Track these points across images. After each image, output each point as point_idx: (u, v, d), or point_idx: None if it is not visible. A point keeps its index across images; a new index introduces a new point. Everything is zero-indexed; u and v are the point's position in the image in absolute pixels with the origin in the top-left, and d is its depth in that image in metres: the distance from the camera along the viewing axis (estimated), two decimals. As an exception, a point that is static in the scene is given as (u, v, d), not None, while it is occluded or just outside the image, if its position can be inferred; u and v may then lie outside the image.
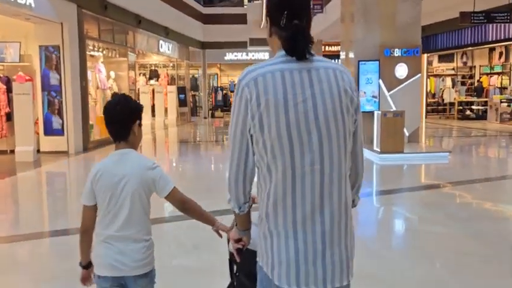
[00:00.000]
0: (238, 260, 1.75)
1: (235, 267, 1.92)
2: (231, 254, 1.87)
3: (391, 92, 10.86)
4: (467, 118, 18.50)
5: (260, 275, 1.57)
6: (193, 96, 22.87)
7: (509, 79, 18.62)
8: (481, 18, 11.34)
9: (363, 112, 11.13)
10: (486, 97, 18.63)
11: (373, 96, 10.95)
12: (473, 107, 19.11)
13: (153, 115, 19.00)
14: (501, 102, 16.86)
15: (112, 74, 14.31)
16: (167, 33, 17.62)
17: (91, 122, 11.79)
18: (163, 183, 2.04)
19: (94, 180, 2.02)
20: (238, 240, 1.72)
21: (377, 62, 10.82)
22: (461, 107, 19.21)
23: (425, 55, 18.18)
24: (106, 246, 2.00)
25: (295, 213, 1.48)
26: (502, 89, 18.51)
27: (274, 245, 1.50)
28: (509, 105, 16.56)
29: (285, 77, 1.49)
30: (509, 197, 6.74)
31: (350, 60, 11.36)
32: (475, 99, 19.14)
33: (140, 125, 2.09)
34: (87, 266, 2.12)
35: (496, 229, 4.88)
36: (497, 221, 5.29)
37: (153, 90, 18.98)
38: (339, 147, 1.51)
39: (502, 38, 15.63)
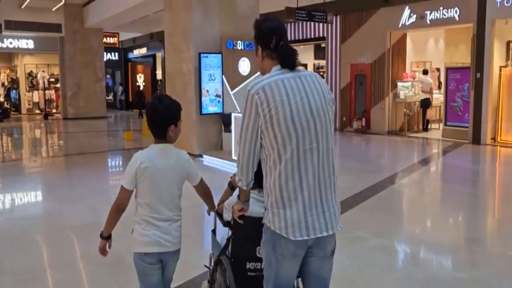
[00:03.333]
0: (241, 222, 2.23)
1: (230, 232, 2.42)
2: (229, 222, 2.43)
3: (234, 90, 9.53)
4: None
5: (267, 235, 2.05)
6: None
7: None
8: (303, 15, 11.21)
9: (206, 114, 9.49)
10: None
11: (217, 96, 9.39)
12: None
13: None
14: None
15: None
16: None
17: None
18: (195, 174, 2.44)
19: (138, 169, 2.26)
20: (241, 210, 2.20)
21: (220, 55, 9.30)
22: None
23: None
24: (152, 227, 2.29)
25: (302, 184, 1.96)
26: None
27: (287, 211, 1.97)
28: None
29: (285, 84, 1.99)
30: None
31: (185, 53, 9.43)
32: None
33: (176, 126, 2.33)
34: (108, 237, 2.36)
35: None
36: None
37: None
38: (328, 130, 2.05)
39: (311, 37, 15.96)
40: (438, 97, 13.36)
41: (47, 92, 21.11)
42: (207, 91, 9.23)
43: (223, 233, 2.60)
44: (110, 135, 14.72)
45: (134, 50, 24.46)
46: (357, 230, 4.87)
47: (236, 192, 2.37)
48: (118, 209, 2.29)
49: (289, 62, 2.03)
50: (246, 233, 2.30)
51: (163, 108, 2.28)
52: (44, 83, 21.07)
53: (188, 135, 9.25)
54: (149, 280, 2.32)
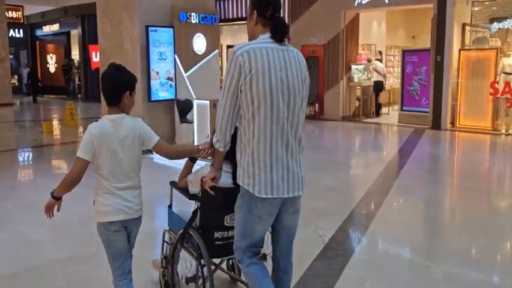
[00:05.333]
0: (213, 193, 2.33)
1: (197, 205, 2.50)
2: (195, 195, 2.53)
3: (189, 72, 8.04)
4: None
5: (244, 199, 2.22)
6: None
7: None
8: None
9: (155, 101, 7.88)
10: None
11: (168, 78, 7.82)
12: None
13: None
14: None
15: None
16: None
17: None
18: (149, 136, 2.42)
19: (93, 137, 2.27)
20: (214, 179, 2.31)
21: (172, 29, 7.72)
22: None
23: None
24: (114, 196, 2.33)
25: (272, 147, 2.15)
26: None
27: (255, 170, 2.15)
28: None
29: (268, 52, 2.14)
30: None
31: (127, 27, 7.70)
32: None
33: (131, 94, 2.35)
34: (60, 198, 2.34)
35: None
36: None
37: None
38: (299, 105, 2.23)
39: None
40: (382, 80, 12.95)
41: None
42: (157, 73, 7.63)
43: (181, 208, 2.83)
44: (22, 128, 12.29)
45: (44, 27, 21.27)
46: (395, 246, 3.85)
47: (197, 166, 2.61)
48: (71, 182, 2.28)
49: (279, 34, 2.18)
50: (215, 203, 2.41)
51: (118, 74, 2.34)
52: None
53: (135, 127, 7.58)
54: (115, 246, 2.36)
